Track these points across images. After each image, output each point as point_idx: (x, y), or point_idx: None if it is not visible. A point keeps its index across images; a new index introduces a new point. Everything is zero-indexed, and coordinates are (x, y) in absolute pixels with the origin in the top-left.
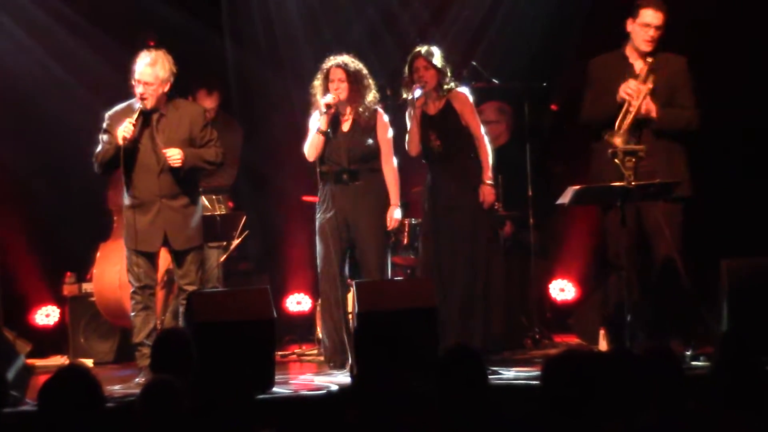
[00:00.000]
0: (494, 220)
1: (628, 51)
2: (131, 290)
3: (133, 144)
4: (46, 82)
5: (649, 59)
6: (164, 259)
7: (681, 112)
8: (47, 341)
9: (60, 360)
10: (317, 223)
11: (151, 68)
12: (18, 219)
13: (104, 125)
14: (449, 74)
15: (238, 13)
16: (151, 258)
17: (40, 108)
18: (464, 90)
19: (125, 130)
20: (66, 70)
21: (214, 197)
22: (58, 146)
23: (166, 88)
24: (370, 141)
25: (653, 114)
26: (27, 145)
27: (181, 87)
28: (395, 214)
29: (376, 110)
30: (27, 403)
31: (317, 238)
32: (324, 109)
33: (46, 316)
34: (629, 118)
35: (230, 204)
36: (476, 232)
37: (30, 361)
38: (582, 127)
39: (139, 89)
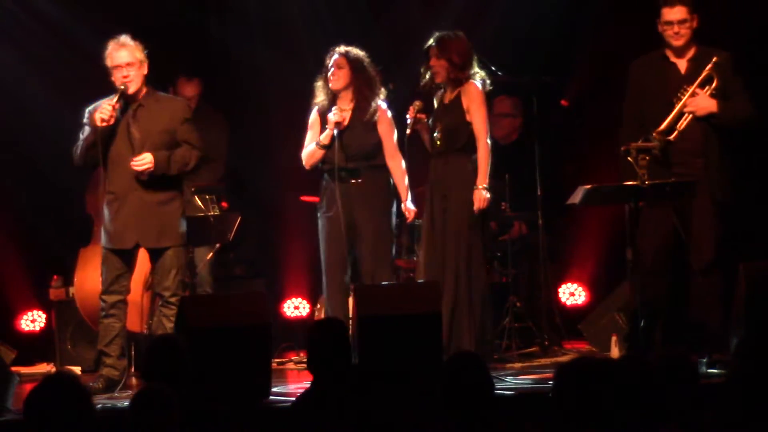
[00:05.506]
0: (485, 225)
1: (669, 51)
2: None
3: (111, 130)
4: (26, 86)
5: (715, 58)
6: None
7: (740, 104)
8: (33, 348)
9: (47, 368)
10: (319, 223)
11: (126, 50)
12: (1, 221)
13: (84, 119)
14: (472, 65)
15: None
16: (127, 260)
17: (21, 112)
18: (477, 83)
19: (102, 112)
20: (42, 72)
21: (207, 197)
22: (41, 149)
23: (145, 71)
24: (372, 137)
25: (714, 109)
26: (9, 148)
27: (157, 74)
28: (410, 207)
29: (378, 105)
30: (12, 413)
31: (320, 238)
32: (332, 126)
33: (32, 321)
34: (687, 118)
35: (224, 204)
36: (462, 236)
37: (15, 368)
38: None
39: (121, 73)
